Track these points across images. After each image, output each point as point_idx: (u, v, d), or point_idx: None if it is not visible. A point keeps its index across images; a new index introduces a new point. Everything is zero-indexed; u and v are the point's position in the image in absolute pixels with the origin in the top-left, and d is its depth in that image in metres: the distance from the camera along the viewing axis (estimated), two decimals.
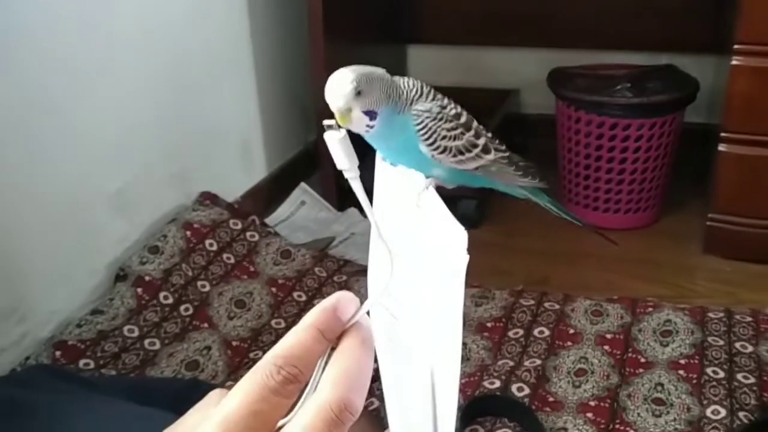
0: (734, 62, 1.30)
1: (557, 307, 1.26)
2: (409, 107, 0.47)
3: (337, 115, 0.42)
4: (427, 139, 0.48)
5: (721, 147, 1.36)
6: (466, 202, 1.54)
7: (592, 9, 1.83)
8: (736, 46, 1.29)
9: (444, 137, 0.49)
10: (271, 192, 1.67)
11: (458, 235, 0.39)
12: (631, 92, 1.52)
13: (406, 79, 0.47)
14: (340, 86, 0.42)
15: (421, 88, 0.48)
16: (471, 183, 0.53)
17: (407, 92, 0.47)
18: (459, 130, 0.49)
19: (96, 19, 1.18)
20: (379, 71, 0.45)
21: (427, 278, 0.45)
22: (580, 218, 0.60)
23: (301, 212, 1.65)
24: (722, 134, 1.36)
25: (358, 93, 0.43)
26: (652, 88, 1.53)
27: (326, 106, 0.43)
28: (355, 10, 1.69)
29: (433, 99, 0.48)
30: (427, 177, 0.48)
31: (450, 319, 0.41)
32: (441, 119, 0.48)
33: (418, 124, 0.48)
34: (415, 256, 0.47)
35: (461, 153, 0.50)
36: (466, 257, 0.38)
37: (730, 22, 1.35)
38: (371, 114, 0.44)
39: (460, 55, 1.99)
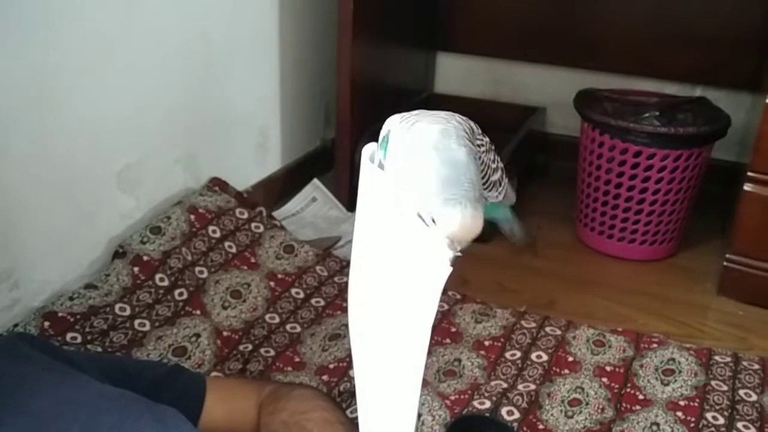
0: None
1: (558, 332, 1.22)
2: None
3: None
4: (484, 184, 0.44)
5: (747, 187, 1.32)
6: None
7: (628, 34, 1.78)
8: None
9: (492, 169, 0.45)
10: (283, 185, 1.65)
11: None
12: (659, 121, 1.48)
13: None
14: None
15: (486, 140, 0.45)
16: (491, 214, 0.49)
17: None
18: (496, 159, 0.46)
19: None
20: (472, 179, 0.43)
21: (404, 286, 0.43)
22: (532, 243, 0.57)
23: (312, 209, 1.62)
24: (749, 173, 1.31)
25: None
26: (682, 119, 1.49)
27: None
28: (387, 13, 1.67)
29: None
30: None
31: (420, 329, 0.39)
32: (488, 150, 0.44)
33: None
34: (395, 264, 0.45)
35: (500, 184, 0.47)
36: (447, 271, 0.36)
37: None
38: None
39: (490, 68, 1.96)
